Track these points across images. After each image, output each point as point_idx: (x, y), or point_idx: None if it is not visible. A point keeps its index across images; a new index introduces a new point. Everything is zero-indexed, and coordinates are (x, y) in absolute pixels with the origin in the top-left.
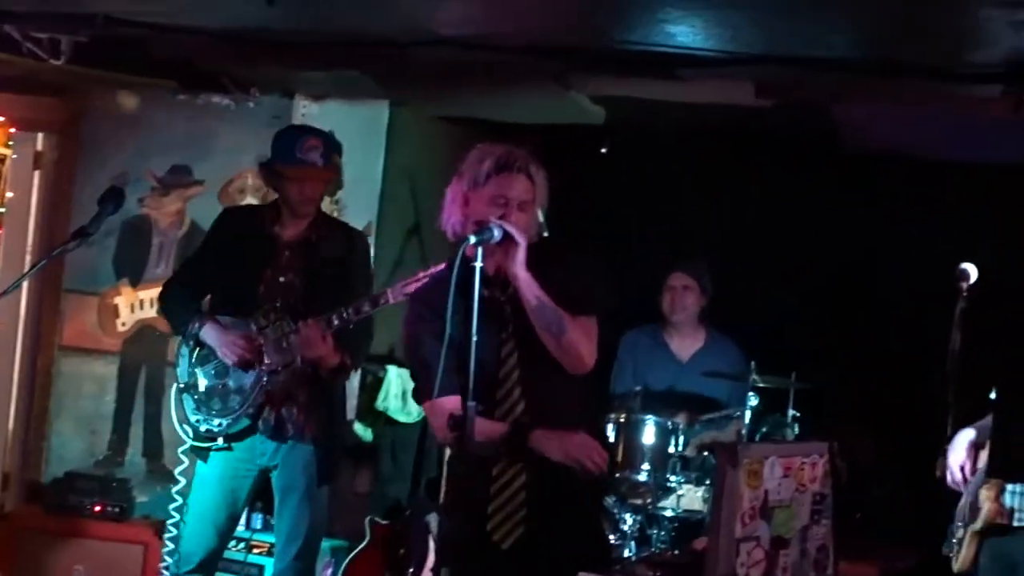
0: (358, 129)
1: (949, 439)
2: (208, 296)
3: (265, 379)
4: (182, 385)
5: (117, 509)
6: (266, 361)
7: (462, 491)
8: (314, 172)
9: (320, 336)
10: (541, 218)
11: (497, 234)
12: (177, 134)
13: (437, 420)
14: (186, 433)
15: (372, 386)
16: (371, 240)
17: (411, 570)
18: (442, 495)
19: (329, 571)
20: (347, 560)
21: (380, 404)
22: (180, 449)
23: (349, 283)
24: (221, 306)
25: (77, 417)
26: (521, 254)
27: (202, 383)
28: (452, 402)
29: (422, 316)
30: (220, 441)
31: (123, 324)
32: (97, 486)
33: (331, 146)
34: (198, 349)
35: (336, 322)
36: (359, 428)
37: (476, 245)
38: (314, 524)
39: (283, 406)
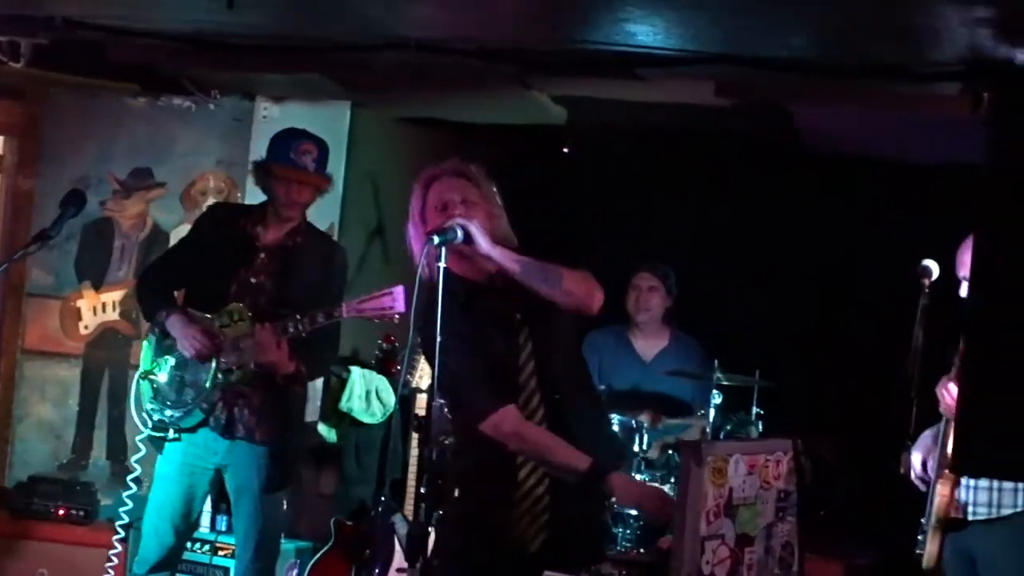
0: (320, 131)
1: (912, 436)
2: (184, 288)
3: (219, 377)
4: (142, 372)
5: (81, 512)
6: (222, 360)
7: (481, 497)
8: (304, 176)
9: (274, 342)
10: (505, 224)
11: (460, 234)
12: (138, 137)
13: (501, 432)
14: (143, 421)
15: (336, 387)
16: None
17: (376, 571)
18: (447, 499)
19: (294, 572)
20: (312, 561)
21: (344, 405)
22: (138, 437)
23: (319, 293)
24: (194, 300)
25: (40, 421)
26: (481, 237)
27: (162, 373)
28: (510, 412)
29: (441, 340)
30: (171, 433)
31: (86, 327)
32: (61, 489)
33: (326, 155)
34: (163, 338)
35: (290, 330)
36: (323, 429)
37: (439, 245)
38: (268, 525)
39: (235, 406)
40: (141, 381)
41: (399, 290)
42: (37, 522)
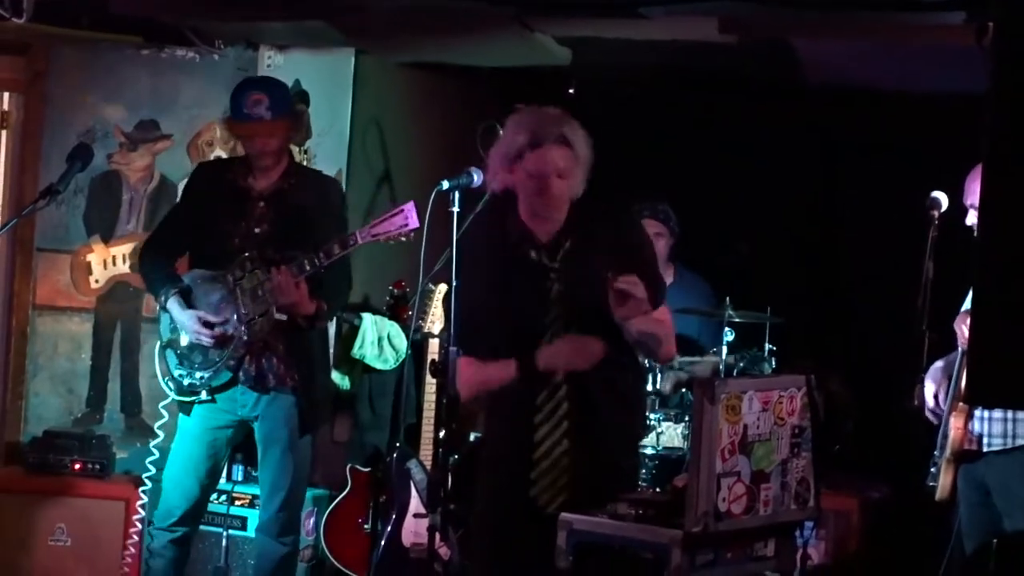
0: (325, 78)
1: (924, 369)
2: (186, 254)
3: (243, 329)
4: (165, 342)
5: (97, 466)
6: (242, 311)
7: (501, 456)
8: (260, 127)
9: (292, 282)
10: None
11: (477, 178)
12: (143, 89)
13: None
14: (169, 388)
15: (348, 334)
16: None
17: (393, 516)
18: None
19: (311, 520)
20: (329, 509)
21: (356, 352)
22: (161, 404)
23: (324, 230)
24: (199, 260)
25: (54, 376)
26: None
27: (183, 338)
28: (464, 362)
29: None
30: (204, 394)
31: (96, 281)
32: (76, 444)
33: (281, 97)
34: None
35: (307, 267)
36: (336, 377)
37: (450, 190)
38: (298, 474)
39: (263, 356)
40: (166, 350)
41: (410, 206)
42: (53, 477)
